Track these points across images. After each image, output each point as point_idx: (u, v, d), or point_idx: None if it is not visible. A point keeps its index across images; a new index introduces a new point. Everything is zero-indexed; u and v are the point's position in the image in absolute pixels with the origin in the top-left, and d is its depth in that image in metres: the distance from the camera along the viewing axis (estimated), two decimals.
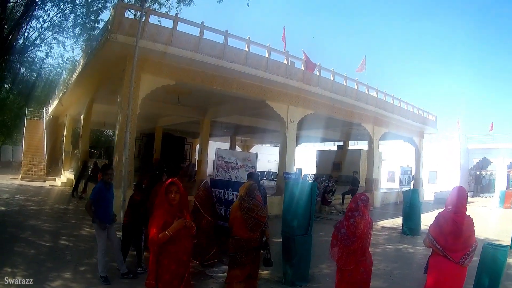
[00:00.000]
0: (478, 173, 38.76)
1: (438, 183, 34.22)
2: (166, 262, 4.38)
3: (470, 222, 4.49)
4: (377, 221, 15.39)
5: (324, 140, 34.58)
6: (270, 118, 17.35)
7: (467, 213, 4.57)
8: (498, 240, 11.15)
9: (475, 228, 4.57)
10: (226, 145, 32.37)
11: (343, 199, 18.54)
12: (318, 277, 7.45)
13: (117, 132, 12.29)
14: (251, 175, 8.93)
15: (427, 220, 13.22)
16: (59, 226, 10.61)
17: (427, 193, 28.07)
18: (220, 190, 8.97)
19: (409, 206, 13.35)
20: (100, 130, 39.87)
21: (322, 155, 35.07)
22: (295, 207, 7.12)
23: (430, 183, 34.52)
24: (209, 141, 24.54)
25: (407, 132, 25.69)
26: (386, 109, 21.47)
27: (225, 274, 6.63)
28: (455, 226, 4.42)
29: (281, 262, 7.09)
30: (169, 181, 4.56)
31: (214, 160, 12.86)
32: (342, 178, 26.77)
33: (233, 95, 15.19)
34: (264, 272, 7.22)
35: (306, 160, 38.81)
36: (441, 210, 4.86)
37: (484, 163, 38.86)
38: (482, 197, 34.97)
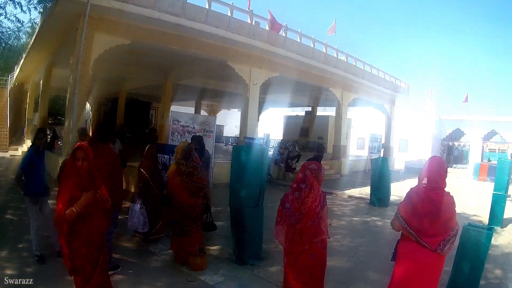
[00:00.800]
0: (450, 143, 39.78)
1: (409, 152, 35.25)
2: (75, 245, 3.87)
3: (450, 200, 3.84)
4: (344, 190, 15.74)
5: (293, 105, 35.06)
6: (235, 81, 17.29)
7: (446, 189, 3.92)
8: (476, 216, 11.64)
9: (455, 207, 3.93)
10: (191, 110, 32.25)
11: None
12: (273, 254, 6.93)
13: (68, 96, 12.10)
14: (193, 138, 8.77)
15: (397, 190, 14.05)
16: (8, 199, 10.25)
17: (398, 162, 28.98)
18: (166, 156, 8.88)
19: (378, 175, 13.18)
20: (65, 96, 39.01)
21: (289, 120, 35.09)
22: (243, 175, 6.50)
23: (401, 151, 35.46)
24: (175, 106, 24.27)
25: (378, 99, 26.31)
26: (356, 74, 21.95)
27: (170, 251, 6.61)
28: (432, 206, 3.74)
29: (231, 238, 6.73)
30: (76, 145, 4.04)
31: (169, 124, 12.92)
32: (309, 145, 27.13)
33: (194, 56, 15.23)
34: (214, 247, 7.15)
35: (274, 125, 38.78)
36: (413, 182, 4.35)
37: (457, 134, 40.02)
38: (454, 167, 35.97)
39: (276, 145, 22.92)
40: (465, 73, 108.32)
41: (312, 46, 18.31)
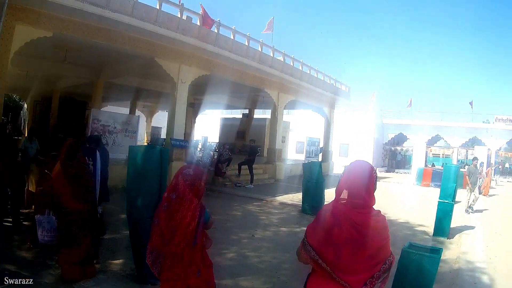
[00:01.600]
0: (393, 148, 40.94)
1: (350, 157, 35.84)
2: None
3: (381, 223, 2.77)
4: (276, 196, 15.83)
5: (231, 107, 35.27)
6: (164, 79, 17.26)
7: (378, 206, 2.83)
8: (421, 226, 11.75)
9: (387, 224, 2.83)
10: (127, 111, 31.65)
11: (239, 170, 19.07)
12: None
13: None
14: (90, 138, 8.73)
15: (332, 196, 13.68)
16: None
17: (338, 166, 29.33)
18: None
19: (311, 180, 12.94)
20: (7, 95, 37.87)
21: (225, 122, 35.59)
22: (139, 181, 5.86)
23: (341, 156, 36.23)
24: (111, 106, 23.67)
25: (317, 101, 27.08)
26: (294, 75, 22.53)
27: None
28: (355, 231, 2.67)
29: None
30: None
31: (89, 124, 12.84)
32: (246, 148, 27.03)
33: (122, 52, 15.14)
34: (117, 261, 6.66)
35: (211, 128, 38.85)
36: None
37: (400, 139, 41.63)
38: (397, 172, 37.12)
39: (214, 148, 22.82)
40: (409, 78, 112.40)
41: (246, 44, 18.60)
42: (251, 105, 30.54)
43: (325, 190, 13.13)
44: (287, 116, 37.35)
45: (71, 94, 28.27)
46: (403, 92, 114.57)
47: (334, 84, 27.44)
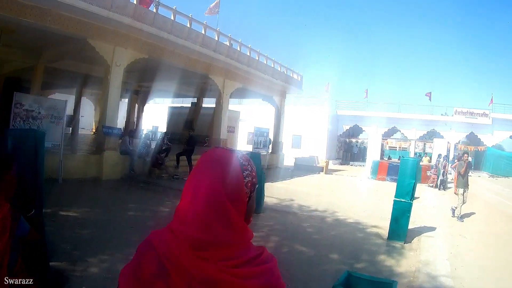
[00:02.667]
0: (348, 140, 41.19)
1: (303, 149, 35.92)
2: None
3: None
4: None
5: (180, 96, 35.27)
6: (99, 63, 16.59)
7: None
8: (375, 227, 10.70)
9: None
10: (72, 98, 30.87)
11: (177, 161, 18.36)
12: (76, 279, 5.55)
13: None
14: None
15: (279, 190, 13.49)
16: None
17: (289, 158, 29.60)
18: None
19: None
20: None
21: (173, 111, 35.39)
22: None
23: (294, 148, 36.02)
24: (59, 94, 22.99)
25: (267, 90, 26.93)
26: (240, 61, 22.23)
27: None
28: None
29: None
30: None
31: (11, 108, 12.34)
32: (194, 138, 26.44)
33: (57, 34, 14.49)
34: None
35: (161, 118, 38.23)
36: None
37: (355, 131, 41.99)
38: (352, 165, 37.41)
39: (161, 137, 22.49)
40: (365, 69, 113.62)
41: (188, 26, 18.10)
42: (200, 93, 30.21)
43: (265, 185, 12.83)
44: (238, 106, 37.57)
45: (16, 79, 27.12)
46: (359, 83, 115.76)
47: (285, 72, 27.27)
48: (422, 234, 10.01)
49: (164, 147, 17.39)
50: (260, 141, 24.91)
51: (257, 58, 23.74)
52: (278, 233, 9.41)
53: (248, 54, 22.91)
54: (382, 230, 10.18)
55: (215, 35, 20.07)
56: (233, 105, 30.86)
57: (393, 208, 9.36)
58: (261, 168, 12.60)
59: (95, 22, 14.37)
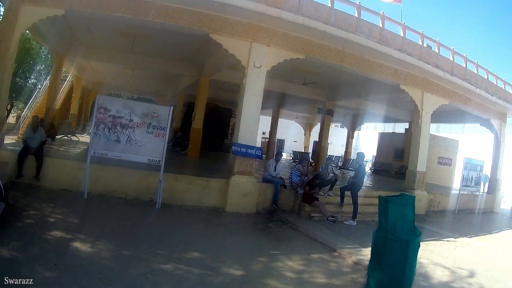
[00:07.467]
0: None
1: None
2: None
3: None
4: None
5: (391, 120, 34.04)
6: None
7: None
8: None
9: None
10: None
11: (342, 197, 13.57)
12: None
13: None
14: None
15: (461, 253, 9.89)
16: None
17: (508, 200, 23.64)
18: None
19: (382, 234, 6.68)
20: None
21: (383, 138, 33.37)
22: None
23: None
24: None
25: (481, 110, 20.50)
26: (441, 67, 16.47)
27: None
28: None
29: None
30: None
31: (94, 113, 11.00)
32: (402, 170, 22.48)
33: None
34: None
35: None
36: None
37: None
38: None
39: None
40: None
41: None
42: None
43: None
44: (457, 135, 34.82)
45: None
46: None
47: (504, 87, 20.72)
48: None
49: (326, 176, 13.27)
50: (472, 177, 18.87)
51: (464, 66, 17.86)
52: None
53: (452, 59, 17.20)
54: None
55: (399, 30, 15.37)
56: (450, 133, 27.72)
57: None
58: (413, 224, 6.74)
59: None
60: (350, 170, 23.89)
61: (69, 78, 29.75)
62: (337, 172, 22.42)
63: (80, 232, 7.72)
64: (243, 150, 12.47)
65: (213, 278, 6.55)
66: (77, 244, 7.00)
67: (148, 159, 10.98)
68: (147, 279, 6.06)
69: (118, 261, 6.60)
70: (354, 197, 12.69)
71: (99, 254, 6.75)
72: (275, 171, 13.32)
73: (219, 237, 9.46)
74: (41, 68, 33.08)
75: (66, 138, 21.43)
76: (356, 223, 12.34)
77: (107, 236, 7.74)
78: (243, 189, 12.44)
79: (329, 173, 13.58)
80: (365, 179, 14.15)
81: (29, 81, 34.94)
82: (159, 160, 11.01)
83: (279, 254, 8.51)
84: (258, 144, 15.86)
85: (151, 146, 10.90)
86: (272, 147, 30.89)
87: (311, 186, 12.66)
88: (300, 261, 8.27)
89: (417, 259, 6.74)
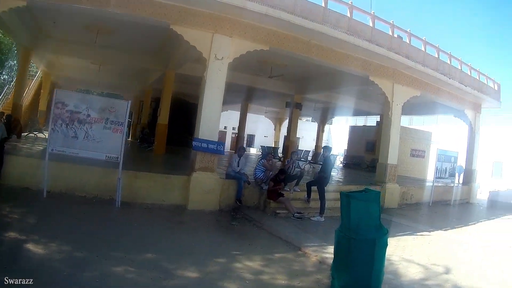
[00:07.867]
0: None
1: (505, 179, 28.42)
2: None
3: None
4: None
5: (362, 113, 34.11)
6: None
7: None
8: None
9: None
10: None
11: (308, 193, 13.08)
12: None
13: None
14: None
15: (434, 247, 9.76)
16: None
17: (484, 191, 23.58)
18: None
19: (343, 233, 6.43)
20: None
21: (354, 131, 33.43)
22: None
23: (495, 176, 30.29)
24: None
25: (455, 101, 20.33)
26: (412, 57, 16.32)
27: None
28: None
29: None
30: None
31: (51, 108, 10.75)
32: (374, 163, 21.93)
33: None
34: None
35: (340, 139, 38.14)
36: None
37: None
38: None
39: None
40: None
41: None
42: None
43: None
44: (431, 126, 35.50)
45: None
46: None
47: (478, 78, 20.48)
48: None
49: (292, 172, 12.98)
50: (446, 168, 18.76)
51: (436, 56, 17.57)
52: None
53: (423, 49, 16.93)
54: None
55: (369, 20, 15.02)
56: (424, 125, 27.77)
57: None
58: (378, 218, 6.46)
59: None
60: (320, 164, 23.77)
61: (38, 73, 29.46)
62: (307, 166, 22.27)
63: (35, 233, 7.44)
64: (204, 145, 12.06)
65: (167, 281, 6.21)
66: (30, 246, 6.73)
67: (106, 156, 10.64)
68: (95, 284, 5.78)
69: (69, 264, 6.27)
70: (321, 192, 12.35)
71: (50, 256, 6.48)
72: (238, 166, 12.94)
73: (178, 236, 9.15)
74: (13, 63, 32.54)
75: (32, 135, 21.03)
76: (324, 219, 11.99)
77: (62, 237, 7.40)
78: (205, 186, 12.08)
79: (295, 168, 13.19)
80: (334, 173, 13.83)
81: (0, 77, 34.27)
82: (117, 157, 10.65)
83: (239, 254, 8.20)
84: (228, 140, 15.55)
85: (109, 142, 10.62)
86: (241, 142, 30.67)
87: (276, 182, 12.27)
88: (262, 261, 7.91)
89: (388, 256, 6.77)
